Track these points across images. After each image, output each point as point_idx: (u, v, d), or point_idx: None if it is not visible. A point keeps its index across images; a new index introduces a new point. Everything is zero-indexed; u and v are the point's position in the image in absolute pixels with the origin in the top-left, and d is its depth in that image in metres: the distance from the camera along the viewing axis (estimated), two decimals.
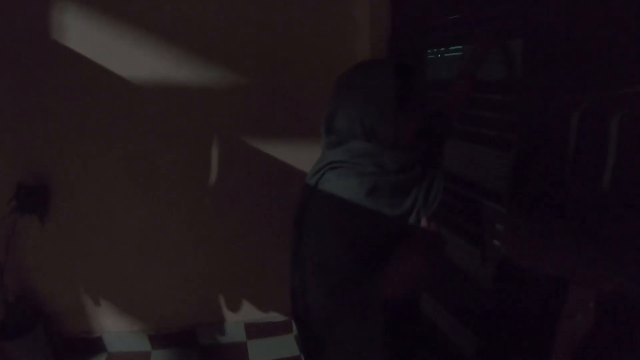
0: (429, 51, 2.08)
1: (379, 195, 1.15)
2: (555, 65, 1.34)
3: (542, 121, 1.41)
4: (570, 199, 1.30)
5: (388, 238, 1.17)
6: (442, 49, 1.98)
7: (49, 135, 2.24)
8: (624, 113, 1.09)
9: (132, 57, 2.18)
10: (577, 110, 1.23)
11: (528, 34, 1.45)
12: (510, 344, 1.66)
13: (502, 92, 1.66)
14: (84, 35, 2.13)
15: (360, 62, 1.25)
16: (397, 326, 1.34)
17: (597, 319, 1.21)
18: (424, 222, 1.12)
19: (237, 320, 2.76)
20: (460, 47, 1.88)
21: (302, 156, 2.47)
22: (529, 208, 1.51)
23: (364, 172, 1.16)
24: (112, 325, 2.64)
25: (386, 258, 1.16)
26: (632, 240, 1.11)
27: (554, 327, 1.38)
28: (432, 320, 2.16)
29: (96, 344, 2.65)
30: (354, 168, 1.18)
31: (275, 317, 2.79)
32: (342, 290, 1.15)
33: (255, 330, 2.77)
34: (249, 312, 2.76)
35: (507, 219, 1.62)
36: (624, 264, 1.13)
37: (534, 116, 1.45)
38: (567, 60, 1.29)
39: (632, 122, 1.08)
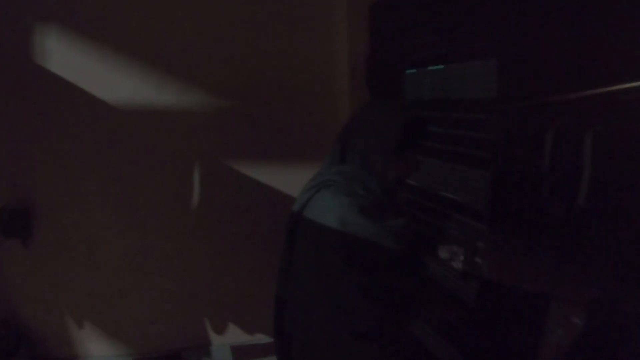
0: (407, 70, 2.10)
1: (367, 214, 1.23)
2: (529, 84, 1.36)
3: (519, 139, 1.42)
4: (548, 216, 1.31)
5: (386, 260, 1.26)
6: (439, 72, 1.99)
7: (31, 159, 2.25)
8: (597, 130, 1.09)
9: (114, 81, 2.21)
10: (551, 128, 1.24)
11: (502, 53, 1.47)
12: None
13: (479, 111, 1.67)
14: (66, 59, 2.16)
15: (389, 99, 1.56)
16: None
17: (579, 334, 1.22)
18: None
19: (223, 343, 2.73)
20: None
21: (284, 179, 2.47)
22: (508, 225, 1.52)
23: (354, 193, 1.25)
24: (97, 350, 2.60)
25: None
26: (609, 254, 1.12)
27: (537, 343, 1.38)
28: (417, 337, 2.15)
29: None
30: (346, 188, 1.26)
31: (261, 339, 2.75)
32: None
33: (242, 353, 2.72)
34: (235, 335, 2.73)
35: (487, 237, 1.63)
36: (603, 279, 1.14)
37: (511, 134, 1.46)
38: (540, 79, 1.30)
39: (605, 138, 1.08)
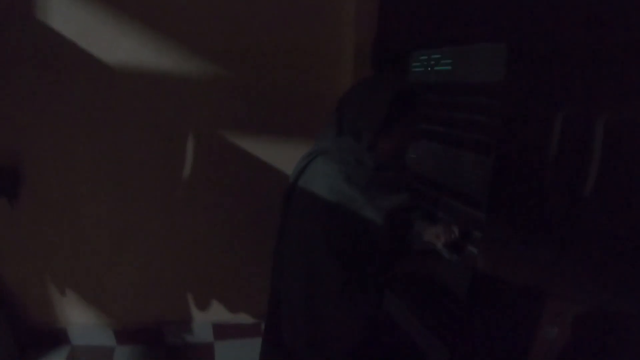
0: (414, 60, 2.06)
1: (354, 183, 1.30)
2: (538, 68, 1.30)
3: (524, 124, 1.37)
4: (550, 206, 1.27)
5: (365, 231, 1.32)
6: (431, 62, 1.97)
7: (23, 117, 2.20)
8: (609, 116, 1.06)
9: (113, 42, 2.14)
10: (560, 113, 1.20)
11: (512, 37, 1.42)
12: (482, 357, 1.61)
13: (483, 94, 1.62)
14: (67, 17, 2.09)
15: (382, 74, 1.58)
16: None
17: (574, 335, 1.18)
18: None
19: (204, 321, 2.70)
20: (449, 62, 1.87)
21: (280, 156, 2.43)
22: (507, 215, 1.48)
23: (344, 161, 1.32)
24: (77, 318, 2.59)
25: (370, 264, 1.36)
26: (614, 251, 1.08)
27: (529, 342, 1.34)
28: (402, 328, 2.10)
29: (60, 336, 2.59)
30: (338, 156, 1.33)
31: (244, 318, 2.73)
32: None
33: (223, 332, 2.71)
34: (218, 313, 2.70)
35: (484, 226, 1.58)
36: (606, 277, 1.10)
37: (515, 119, 1.41)
38: (550, 63, 1.25)
39: (617, 126, 1.05)
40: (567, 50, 1.19)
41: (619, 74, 1.04)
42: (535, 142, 1.29)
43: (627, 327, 1.05)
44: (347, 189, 1.29)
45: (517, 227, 1.42)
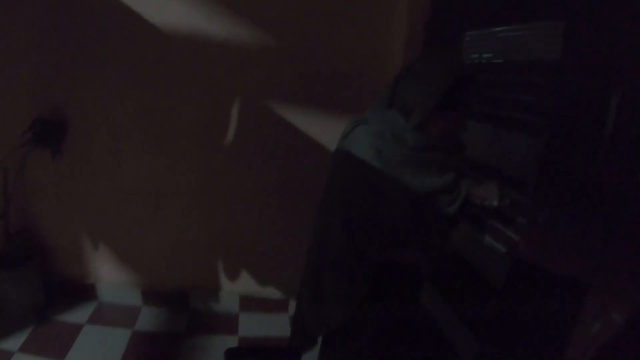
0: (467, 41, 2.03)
1: (384, 159, 1.28)
2: (595, 47, 1.27)
3: (579, 104, 1.34)
4: (602, 193, 1.23)
5: (390, 208, 1.31)
6: (500, 34, 1.90)
7: (72, 73, 2.25)
8: None
9: (166, 6, 2.17)
10: (616, 92, 1.17)
11: (571, 14, 1.38)
12: (513, 352, 1.55)
13: (537, 74, 1.59)
14: None
15: (442, 54, 1.41)
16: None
17: (617, 331, 1.11)
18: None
19: (232, 290, 2.70)
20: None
21: (323, 128, 2.41)
22: (555, 200, 1.44)
23: (380, 135, 1.30)
24: (107, 275, 2.62)
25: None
26: None
27: (567, 337, 1.28)
28: (430, 314, 2.04)
29: (88, 290, 2.63)
30: (377, 129, 1.31)
31: (272, 293, 2.73)
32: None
33: (250, 304, 2.70)
34: (246, 284, 2.70)
35: (530, 211, 1.53)
36: None
37: (571, 98, 1.38)
38: (608, 42, 1.22)
39: None
40: (625, 30, 1.16)
41: None
42: (590, 123, 1.26)
43: None
44: (375, 163, 1.28)
45: (565, 212, 1.38)
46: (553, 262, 1.40)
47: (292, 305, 2.70)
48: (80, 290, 2.62)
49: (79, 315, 2.50)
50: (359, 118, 1.41)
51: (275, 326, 2.60)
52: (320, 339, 1.62)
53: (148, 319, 2.56)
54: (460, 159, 1.52)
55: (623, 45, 1.16)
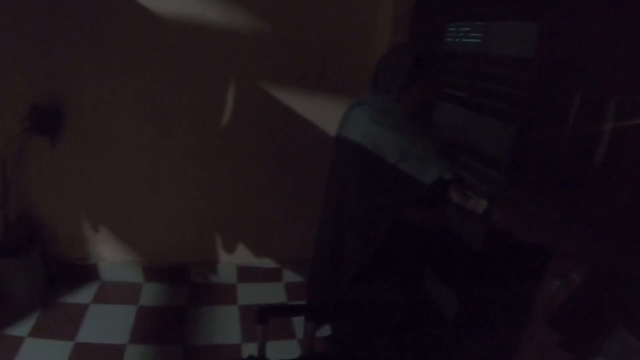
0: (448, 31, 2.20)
1: (380, 125, 1.56)
2: (565, 49, 1.44)
3: (547, 98, 1.52)
4: (564, 173, 1.43)
5: (388, 172, 1.54)
6: (461, 35, 2.12)
7: (68, 60, 2.25)
8: (621, 97, 1.19)
9: None
10: (579, 91, 1.34)
11: (544, 17, 1.55)
12: (490, 307, 1.78)
13: (512, 68, 1.77)
14: None
15: (411, 42, 1.82)
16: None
17: (576, 287, 1.32)
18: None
19: (229, 262, 2.85)
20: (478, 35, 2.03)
21: (318, 111, 2.56)
22: (524, 178, 1.65)
23: (373, 109, 1.59)
24: (108, 254, 2.70)
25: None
26: (618, 215, 1.22)
27: (534, 293, 1.51)
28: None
29: (90, 271, 2.70)
30: (369, 106, 1.61)
31: (267, 263, 2.90)
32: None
33: (246, 274, 2.87)
34: (242, 256, 2.85)
35: (502, 186, 1.76)
36: (609, 238, 1.24)
37: (540, 93, 1.56)
38: (576, 46, 1.39)
39: (627, 106, 1.18)
40: (590, 34, 1.33)
41: (635, 61, 1.18)
42: (555, 115, 1.44)
43: (624, 285, 1.19)
44: (372, 127, 1.56)
45: (533, 189, 1.60)
46: (523, 230, 1.58)
47: (285, 274, 2.92)
48: (83, 272, 2.68)
49: (83, 296, 2.58)
50: (354, 103, 1.71)
51: (272, 294, 2.79)
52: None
53: (151, 294, 2.67)
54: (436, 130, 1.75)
55: (588, 47, 1.34)
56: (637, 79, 1.17)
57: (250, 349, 1.86)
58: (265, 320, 1.52)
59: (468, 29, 2.10)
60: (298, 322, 2.46)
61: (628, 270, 1.20)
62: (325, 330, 1.96)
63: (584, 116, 1.34)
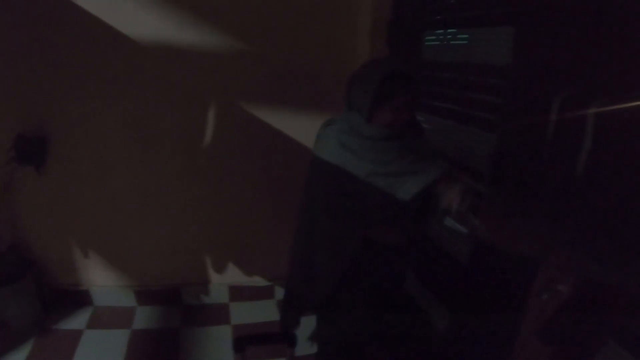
0: (431, 35, 2.17)
1: (347, 149, 1.51)
2: (542, 53, 1.41)
3: (526, 105, 1.49)
4: (547, 182, 1.39)
5: (353, 192, 1.52)
6: (449, 36, 2.06)
7: (51, 89, 2.27)
8: (602, 103, 1.15)
9: (137, 17, 2.22)
10: (558, 97, 1.30)
11: (519, 21, 1.52)
12: (480, 319, 1.77)
13: (491, 76, 1.73)
14: None
15: (378, 58, 1.65)
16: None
17: (563, 300, 1.27)
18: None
19: (221, 282, 2.85)
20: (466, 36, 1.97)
21: (296, 127, 2.56)
22: (508, 188, 1.60)
23: (342, 130, 1.54)
24: (100, 279, 2.71)
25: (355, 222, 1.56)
26: (602, 226, 1.19)
27: (522, 305, 1.45)
28: (410, 294, 2.25)
29: (84, 297, 2.71)
30: (339, 126, 1.56)
31: (258, 281, 2.89)
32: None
33: (238, 293, 2.87)
34: (234, 275, 2.85)
35: (486, 197, 1.70)
36: (594, 249, 1.21)
37: (520, 100, 1.52)
38: (554, 50, 1.36)
39: (608, 112, 1.14)
40: (568, 40, 1.30)
41: (614, 65, 1.15)
42: (535, 123, 1.40)
43: (610, 296, 1.16)
44: (340, 150, 1.52)
45: (517, 199, 1.56)
46: (508, 243, 1.56)
47: (277, 291, 2.90)
48: (76, 298, 2.70)
49: (77, 322, 2.58)
50: (328, 120, 1.66)
51: (264, 312, 2.77)
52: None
53: (144, 317, 2.67)
54: (420, 142, 1.63)
55: (565, 54, 1.31)
56: (619, 82, 1.14)
57: None
58: (242, 349, 1.51)
59: (446, 36, 2.06)
60: None
61: (614, 280, 1.17)
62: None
63: (564, 122, 1.30)
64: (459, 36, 1.98)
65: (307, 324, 1.93)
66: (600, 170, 1.19)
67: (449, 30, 2.03)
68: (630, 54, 1.10)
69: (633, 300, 1.12)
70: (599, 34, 1.19)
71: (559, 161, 1.33)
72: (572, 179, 1.26)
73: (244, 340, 1.54)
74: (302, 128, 2.53)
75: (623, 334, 1.15)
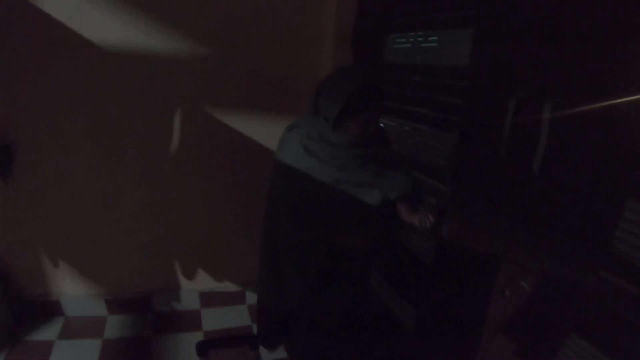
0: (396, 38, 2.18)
1: (312, 155, 1.49)
2: (499, 54, 1.43)
3: (484, 105, 1.51)
4: (505, 181, 1.41)
5: (318, 196, 1.51)
6: (419, 38, 2.07)
7: (15, 95, 2.25)
8: (556, 102, 1.17)
9: (103, 23, 2.21)
10: (514, 96, 1.32)
11: (477, 23, 1.54)
12: (446, 317, 1.79)
13: (450, 77, 1.76)
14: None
15: (352, 65, 1.72)
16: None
17: (526, 296, 1.32)
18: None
19: (192, 289, 2.86)
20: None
21: (264, 131, 2.57)
22: (468, 188, 1.62)
23: (308, 136, 1.52)
24: (70, 289, 2.70)
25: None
26: (559, 222, 1.21)
27: (487, 302, 1.50)
28: (377, 294, 2.27)
29: (54, 307, 2.70)
30: (305, 130, 1.52)
31: (229, 287, 2.90)
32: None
33: (209, 299, 2.87)
34: (204, 281, 2.86)
35: (448, 198, 1.73)
36: (553, 247, 1.24)
37: (477, 100, 1.55)
38: (510, 50, 1.38)
39: (563, 110, 1.16)
40: (524, 42, 1.31)
41: (568, 64, 1.16)
42: (493, 122, 1.42)
43: (575, 294, 1.18)
44: (305, 159, 1.50)
45: (477, 199, 1.57)
46: (470, 241, 1.60)
47: (248, 296, 2.92)
48: (46, 308, 2.68)
49: (48, 332, 2.57)
50: (289, 125, 1.62)
51: (235, 317, 2.79)
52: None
53: (115, 326, 2.66)
54: (386, 153, 1.64)
55: (522, 55, 1.32)
56: (574, 81, 1.16)
57: None
58: (204, 353, 1.52)
59: (407, 39, 2.08)
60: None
61: (573, 276, 1.19)
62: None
63: (520, 121, 1.32)
64: (419, 39, 2.01)
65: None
66: (556, 168, 1.20)
67: (410, 33, 2.05)
68: (583, 54, 1.12)
69: (592, 294, 1.14)
70: (556, 36, 1.20)
71: (516, 160, 1.34)
72: (529, 177, 1.27)
73: (206, 344, 1.55)
74: (268, 132, 2.54)
75: (585, 327, 1.17)
